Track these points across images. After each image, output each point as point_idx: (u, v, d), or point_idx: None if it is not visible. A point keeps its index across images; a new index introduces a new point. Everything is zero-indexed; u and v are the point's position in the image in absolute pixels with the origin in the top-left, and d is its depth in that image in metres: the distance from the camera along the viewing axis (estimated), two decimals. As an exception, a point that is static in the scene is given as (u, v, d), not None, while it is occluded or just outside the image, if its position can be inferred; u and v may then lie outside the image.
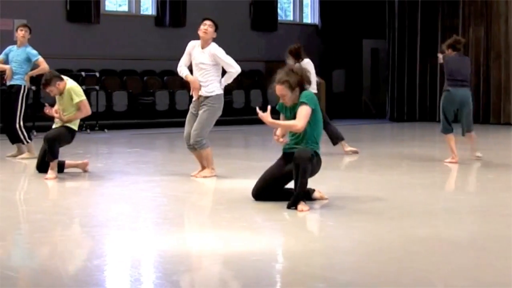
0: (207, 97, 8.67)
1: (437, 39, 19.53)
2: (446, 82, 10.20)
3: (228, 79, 8.75)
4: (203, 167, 8.83)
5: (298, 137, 6.93)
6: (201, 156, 8.81)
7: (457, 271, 4.79)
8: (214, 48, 8.67)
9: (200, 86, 8.69)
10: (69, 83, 9.09)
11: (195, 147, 8.73)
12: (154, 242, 5.58)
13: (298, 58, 10.67)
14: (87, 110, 9.15)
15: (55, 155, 8.76)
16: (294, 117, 6.88)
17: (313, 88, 11.16)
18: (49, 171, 8.68)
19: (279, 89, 6.86)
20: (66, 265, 4.78)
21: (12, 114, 10.60)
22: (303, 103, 6.79)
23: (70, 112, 9.02)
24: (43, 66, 10.59)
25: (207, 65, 8.65)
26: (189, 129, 8.75)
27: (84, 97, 9.10)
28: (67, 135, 9.05)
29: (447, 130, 10.13)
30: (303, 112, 6.78)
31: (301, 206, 6.63)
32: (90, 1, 17.72)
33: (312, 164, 6.75)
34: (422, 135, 16.60)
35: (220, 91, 8.72)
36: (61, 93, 9.02)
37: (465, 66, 10.25)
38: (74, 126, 9.12)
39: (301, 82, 6.88)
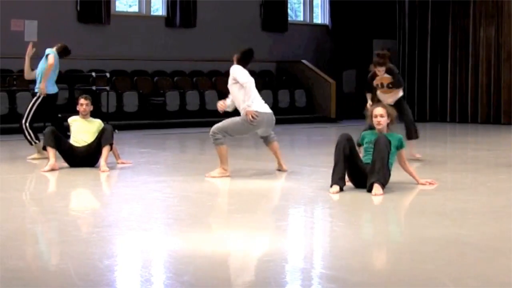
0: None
1: (448, 39, 19.50)
2: None
3: (245, 95, 8.72)
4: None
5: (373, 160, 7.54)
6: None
7: (468, 272, 4.78)
8: (232, 66, 8.83)
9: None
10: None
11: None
12: (165, 243, 5.59)
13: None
14: None
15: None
16: (371, 142, 7.59)
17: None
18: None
19: (381, 110, 7.75)
20: (77, 266, 4.78)
21: (24, 113, 10.84)
22: (402, 146, 7.88)
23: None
24: (49, 62, 10.72)
25: (230, 86, 8.86)
26: None
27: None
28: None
29: None
30: (403, 156, 7.94)
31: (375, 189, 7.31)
32: (100, 1, 17.79)
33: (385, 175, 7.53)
34: (433, 135, 16.55)
35: (251, 108, 8.72)
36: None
37: None
38: None
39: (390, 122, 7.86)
